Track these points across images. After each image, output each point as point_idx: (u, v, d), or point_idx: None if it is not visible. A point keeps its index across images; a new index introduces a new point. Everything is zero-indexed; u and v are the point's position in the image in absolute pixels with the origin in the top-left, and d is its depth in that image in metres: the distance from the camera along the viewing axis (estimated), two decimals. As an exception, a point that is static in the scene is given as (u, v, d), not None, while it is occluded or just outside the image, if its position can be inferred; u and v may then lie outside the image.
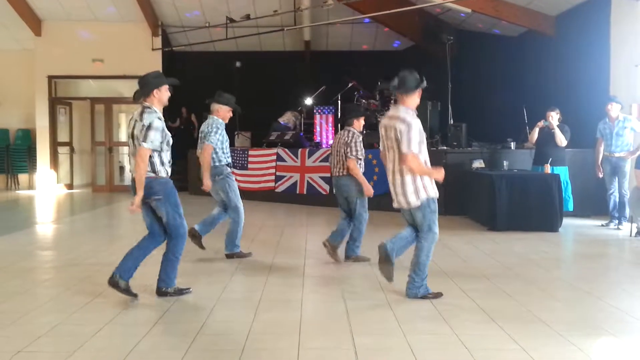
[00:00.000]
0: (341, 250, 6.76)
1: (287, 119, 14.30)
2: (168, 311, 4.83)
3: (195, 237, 6.88)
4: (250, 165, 13.57)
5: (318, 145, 13.43)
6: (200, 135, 6.85)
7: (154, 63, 15.87)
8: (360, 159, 6.56)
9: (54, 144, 16.50)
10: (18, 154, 17.29)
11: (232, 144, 14.44)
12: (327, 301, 5.21)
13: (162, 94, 5.10)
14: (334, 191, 6.88)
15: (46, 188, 16.25)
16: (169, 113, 16.44)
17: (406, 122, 4.96)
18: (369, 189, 6.57)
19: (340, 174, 6.65)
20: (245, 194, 13.42)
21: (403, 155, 4.96)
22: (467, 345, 4.02)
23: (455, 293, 5.41)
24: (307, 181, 12.46)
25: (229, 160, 6.88)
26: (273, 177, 13.13)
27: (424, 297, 5.16)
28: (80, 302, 5.09)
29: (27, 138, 17.35)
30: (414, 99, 5.13)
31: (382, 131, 5.25)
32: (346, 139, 6.59)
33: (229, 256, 6.92)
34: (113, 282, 5.03)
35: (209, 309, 4.92)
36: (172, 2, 15.17)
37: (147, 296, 5.25)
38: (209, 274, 6.22)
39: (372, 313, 4.80)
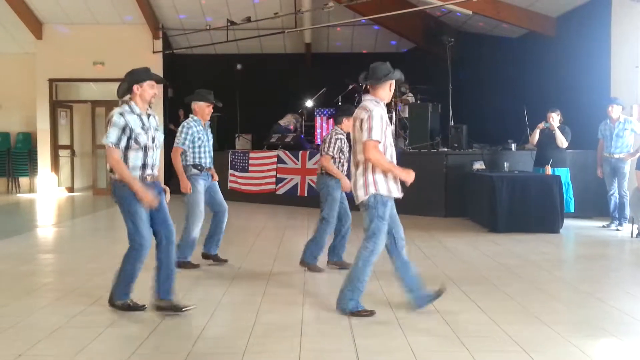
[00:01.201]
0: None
1: (288, 121, 14.31)
2: (169, 315, 4.82)
3: (210, 258, 6.74)
4: (251, 168, 13.58)
5: (319, 148, 13.42)
6: (182, 140, 6.57)
7: (155, 66, 15.87)
8: (335, 157, 6.32)
9: (55, 147, 16.50)
10: (19, 157, 17.28)
11: (232, 147, 14.51)
12: (328, 303, 5.19)
13: (144, 90, 4.74)
14: None
15: (47, 191, 16.25)
16: (170, 116, 16.45)
17: (367, 109, 4.70)
18: (346, 184, 6.19)
19: (318, 172, 6.57)
20: (246, 197, 13.54)
21: (363, 144, 4.66)
22: (468, 347, 4.01)
23: (456, 295, 5.40)
24: (308, 183, 12.45)
25: (202, 161, 6.52)
26: (274, 180, 13.13)
27: (352, 313, 4.75)
28: (81, 305, 5.08)
29: (28, 141, 17.35)
30: (384, 90, 4.82)
31: (354, 124, 4.93)
32: (325, 136, 6.53)
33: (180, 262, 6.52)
34: (110, 303, 4.91)
35: (210, 312, 4.91)
36: (173, 4, 15.19)
37: (147, 300, 5.25)
38: (209, 278, 6.22)
39: (373, 315, 4.78)
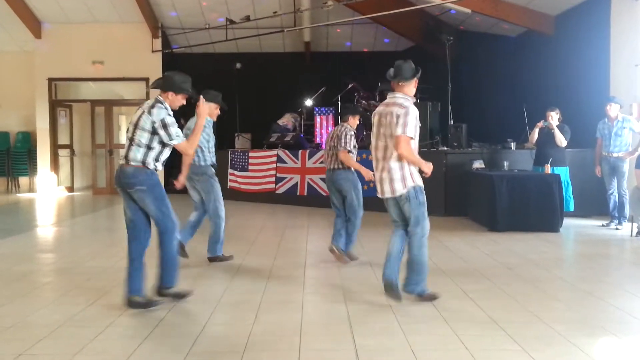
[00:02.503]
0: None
1: (286, 120, 14.30)
2: (169, 314, 4.83)
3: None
4: (250, 167, 13.58)
5: (318, 147, 13.43)
6: (185, 133, 6.68)
7: (154, 65, 15.90)
8: (351, 152, 6.56)
9: (55, 147, 16.51)
10: (18, 156, 17.29)
11: (232, 146, 14.52)
12: (328, 302, 5.20)
13: (175, 100, 4.99)
14: (327, 187, 6.89)
15: (47, 191, 16.25)
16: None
17: (404, 107, 4.90)
18: (367, 172, 6.51)
19: (334, 167, 6.68)
20: (246, 196, 13.54)
21: (396, 138, 4.83)
22: (467, 346, 4.02)
23: (456, 294, 5.40)
24: (308, 182, 12.46)
25: (214, 160, 6.68)
26: (274, 179, 13.13)
27: (420, 295, 5.06)
28: (80, 304, 5.08)
29: (28, 141, 17.36)
30: (411, 87, 5.09)
31: (375, 119, 5.13)
32: (338, 132, 6.64)
33: (212, 259, 6.73)
34: (131, 304, 4.88)
35: (209, 311, 4.91)
36: (172, 3, 15.18)
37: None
38: (209, 277, 6.21)
39: (372, 314, 4.79)
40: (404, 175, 4.94)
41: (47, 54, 15.97)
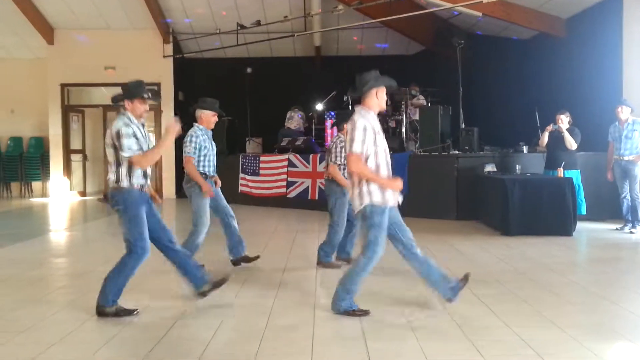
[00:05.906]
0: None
1: (296, 123, 14.30)
2: (180, 318, 4.83)
3: (241, 260, 6.82)
4: (261, 171, 13.59)
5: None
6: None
7: (166, 70, 16.00)
8: (341, 165, 6.50)
9: (67, 152, 16.63)
10: (31, 161, 17.41)
11: (243, 150, 14.54)
12: (340, 307, 5.18)
13: (135, 106, 4.84)
14: None
15: (59, 195, 16.36)
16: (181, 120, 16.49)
17: (352, 121, 4.72)
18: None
19: (325, 178, 6.75)
20: (257, 200, 13.56)
21: (346, 157, 4.72)
22: (481, 351, 3.99)
23: (468, 298, 5.37)
24: (319, 187, 12.44)
25: (206, 169, 6.50)
26: (285, 183, 13.14)
27: (346, 312, 4.78)
28: (92, 309, 5.06)
29: (40, 146, 17.48)
30: (371, 99, 4.80)
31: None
32: (331, 145, 6.66)
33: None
34: (101, 312, 4.86)
35: (221, 315, 4.91)
36: (183, 9, 15.25)
37: (159, 303, 5.27)
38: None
39: (385, 319, 4.76)
40: (361, 191, 4.72)
41: (59, 60, 16.09)
